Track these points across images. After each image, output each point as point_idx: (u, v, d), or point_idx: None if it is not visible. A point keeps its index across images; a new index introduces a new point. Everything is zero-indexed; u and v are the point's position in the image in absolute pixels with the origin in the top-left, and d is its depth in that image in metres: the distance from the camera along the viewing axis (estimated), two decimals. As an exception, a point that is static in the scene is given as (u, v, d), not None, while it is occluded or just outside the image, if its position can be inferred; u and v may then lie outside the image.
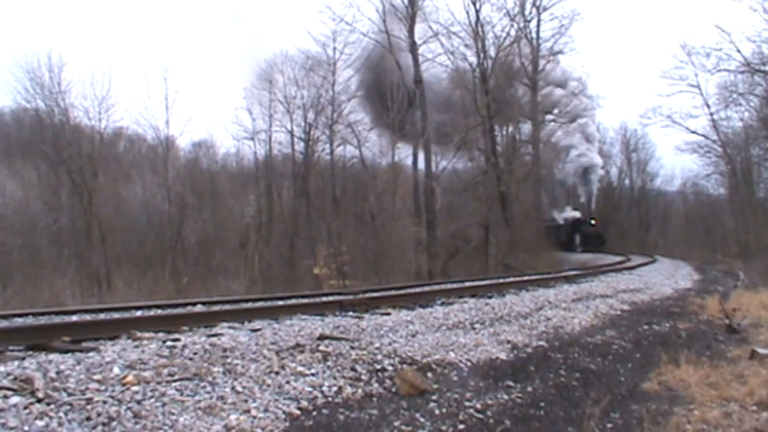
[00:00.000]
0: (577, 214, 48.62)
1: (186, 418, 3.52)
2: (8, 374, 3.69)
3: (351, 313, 7.45)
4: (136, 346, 4.72)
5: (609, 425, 4.39)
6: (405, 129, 27.80)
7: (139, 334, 5.35)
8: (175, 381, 3.98)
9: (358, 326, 6.31)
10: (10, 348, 4.67)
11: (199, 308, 7.80)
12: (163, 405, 3.61)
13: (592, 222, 46.57)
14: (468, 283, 12.53)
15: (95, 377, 3.82)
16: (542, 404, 4.69)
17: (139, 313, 7.29)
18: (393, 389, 4.64)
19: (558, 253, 37.15)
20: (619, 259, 28.53)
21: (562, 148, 45.60)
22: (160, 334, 5.44)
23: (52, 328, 5.34)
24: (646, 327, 8.62)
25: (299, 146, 28.67)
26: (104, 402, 3.47)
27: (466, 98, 27.89)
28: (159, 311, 7.52)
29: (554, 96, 39.30)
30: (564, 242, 43.79)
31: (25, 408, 3.26)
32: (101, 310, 7.44)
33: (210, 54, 70.34)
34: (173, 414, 3.53)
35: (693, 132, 34.61)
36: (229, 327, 5.98)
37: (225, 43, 65.47)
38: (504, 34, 29.05)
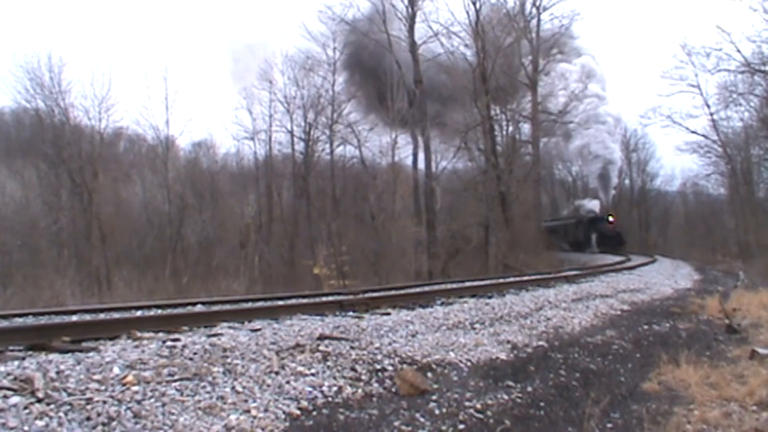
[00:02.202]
0: (596, 208, 43.39)
1: (186, 418, 3.52)
2: (8, 374, 3.69)
3: (351, 313, 7.44)
4: (136, 346, 4.72)
5: (609, 425, 4.39)
6: (403, 116, 27.64)
7: (139, 334, 5.35)
8: (175, 381, 3.98)
9: (358, 326, 6.31)
10: (10, 348, 4.67)
11: (199, 308, 7.79)
12: (163, 405, 3.61)
13: (610, 219, 40.87)
14: (468, 283, 12.52)
15: (95, 377, 3.82)
16: (542, 404, 4.69)
17: (139, 313, 7.29)
18: (393, 389, 4.64)
19: (560, 253, 36.78)
20: (619, 259, 28.52)
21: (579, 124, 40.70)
22: (160, 334, 5.44)
23: (52, 328, 5.34)
24: (646, 327, 8.62)
25: (299, 146, 28.74)
26: (104, 402, 3.47)
27: (466, 98, 27.91)
28: (159, 311, 7.52)
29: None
30: (580, 242, 40.52)
31: (25, 408, 3.26)
32: (101, 310, 7.43)
33: (210, 54, 70.54)
34: (173, 414, 3.53)
35: (693, 132, 34.69)
36: (229, 327, 5.98)
37: (214, 32, 65.56)
38: (504, 34, 29.07)
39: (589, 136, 42.86)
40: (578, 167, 49.89)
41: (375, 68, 29.66)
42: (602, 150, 43.53)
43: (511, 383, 5.13)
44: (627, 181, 53.06)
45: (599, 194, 44.95)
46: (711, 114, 33.43)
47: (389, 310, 7.77)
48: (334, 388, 4.41)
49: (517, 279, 13.98)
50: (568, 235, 42.86)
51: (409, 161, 30.38)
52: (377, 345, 5.62)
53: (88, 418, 3.28)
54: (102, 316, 6.87)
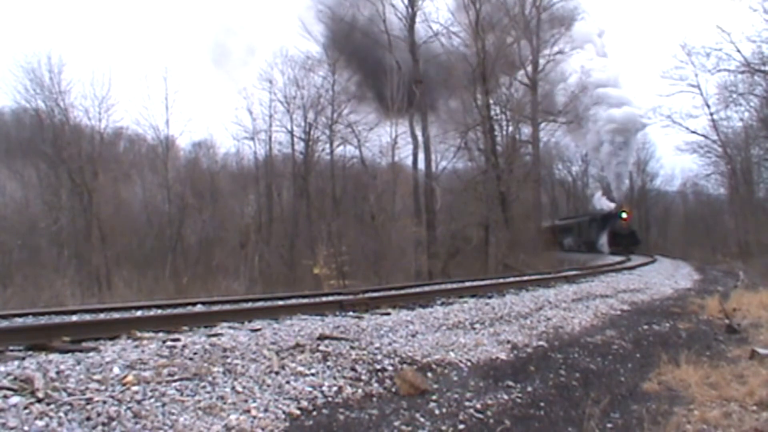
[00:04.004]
0: (610, 204, 39.24)
1: (186, 418, 3.52)
2: (8, 374, 3.69)
3: (351, 313, 7.44)
4: (136, 346, 4.72)
5: (609, 425, 4.39)
6: (395, 99, 27.62)
7: (139, 334, 5.35)
8: (175, 381, 3.98)
9: (358, 326, 6.31)
10: (10, 348, 4.67)
11: (199, 308, 7.79)
12: (163, 405, 3.61)
13: (623, 215, 36.46)
14: (468, 283, 12.51)
15: (95, 377, 3.82)
16: (542, 404, 4.69)
17: (139, 313, 7.29)
18: (393, 389, 4.64)
19: (560, 253, 36.50)
20: (619, 259, 28.51)
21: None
22: (160, 334, 5.44)
23: (52, 328, 5.34)
24: (646, 327, 8.62)
25: (299, 146, 28.77)
26: (104, 402, 3.47)
27: (464, 95, 27.94)
28: (159, 311, 7.51)
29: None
30: (591, 242, 37.61)
31: (25, 408, 3.26)
32: (101, 310, 7.43)
33: (206, 51, 70.54)
34: (173, 414, 3.53)
35: (693, 132, 34.63)
36: (229, 327, 5.98)
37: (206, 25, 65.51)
38: (504, 34, 29.09)
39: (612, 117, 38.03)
40: (594, 154, 45.12)
41: (368, 50, 29.69)
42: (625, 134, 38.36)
43: (511, 383, 5.13)
44: (627, 181, 52.88)
45: (612, 188, 41.34)
46: (711, 114, 33.42)
47: (389, 310, 7.77)
48: (334, 388, 4.41)
49: (517, 279, 13.97)
50: (582, 234, 40.04)
51: (409, 161, 30.44)
52: (377, 345, 5.62)
53: (88, 418, 3.28)
54: (102, 316, 6.87)
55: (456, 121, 28.70)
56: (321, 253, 22.46)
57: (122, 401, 3.54)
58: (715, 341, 7.77)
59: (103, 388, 3.68)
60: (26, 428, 3.07)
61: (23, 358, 4.21)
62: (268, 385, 4.22)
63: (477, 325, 7.26)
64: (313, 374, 4.60)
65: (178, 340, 5.04)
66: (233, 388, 4.05)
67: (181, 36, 75.65)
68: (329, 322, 6.48)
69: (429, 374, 5.10)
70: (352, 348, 5.37)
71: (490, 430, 4.08)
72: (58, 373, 3.80)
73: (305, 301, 8.82)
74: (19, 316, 6.77)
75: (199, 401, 3.76)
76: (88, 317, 6.70)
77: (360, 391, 4.49)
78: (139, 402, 3.58)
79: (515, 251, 27.09)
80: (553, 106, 35.00)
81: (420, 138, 29.45)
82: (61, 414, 3.26)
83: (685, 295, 13.36)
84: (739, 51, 27.84)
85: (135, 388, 3.75)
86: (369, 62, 30.59)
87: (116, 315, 6.88)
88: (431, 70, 30.43)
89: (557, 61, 34.36)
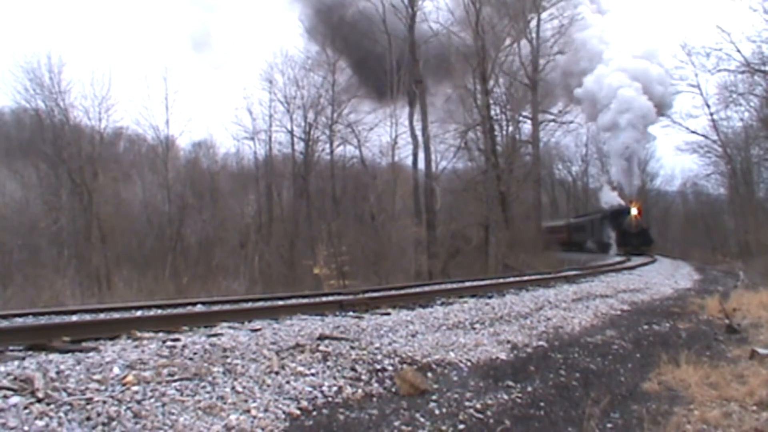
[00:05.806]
0: (618, 200, 35.80)
1: (186, 418, 3.52)
2: (8, 374, 3.69)
3: (351, 313, 7.44)
4: (136, 346, 4.72)
5: (609, 425, 4.39)
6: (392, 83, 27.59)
7: (139, 334, 5.34)
8: (175, 381, 3.98)
9: (358, 326, 6.31)
10: (10, 348, 4.67)
11: (199, 308, 7.79)
12: (163, 405, 3.61)
13: (633, 211, 32.33)
14: (468, 283, 12.51)
15: (95, 377, 3.82)
16: (542, 404, 4.69)
17: (139, 313, 7.28)
18: (393, 389, 4.64)
19: (560, 253, 36.23)
20: (619, 259, 28.48)
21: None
22: (160, 334, 5.43)
23: (52, 328, 5.34)
24: (646, 327, 8.62)
25: (299, 146, 28.81)
26: (104, 402, 3.47)
27: (466, 98, 27.97)
28: (159, 311, 7.51)
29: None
30: (597, 243, 35.30)
31: (25, 408, 3.26)
32: (101, 310, 7.43)
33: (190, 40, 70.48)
34: (173, 414, 3.53)
35: (693, 132, 34.59)
36: (229, 327, 5.98)
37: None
38: (504, 34, 29.09)
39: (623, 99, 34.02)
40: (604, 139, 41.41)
41: (367, 47, 29.73)
42: (637, 118, 33.86)
43: (511, 383, 5.13)
44: (637, 171, 52.13)
45: (621, 181, 37.41)
46: (711, 114, 33.39)
47: (389, 310, 7.77)
48: (334, 388, 4.41)
49: (517, 279, 13.97)
50: (594, 233, 37.15)
51: (409, 161, 30.45)
52: (377, 345, 5.62)
53: (88, 418, 3.27)
54: (102, 316, 6.86)
55: (456, 120, 28.74)
56: (321, 253, 22.49)
57: (122, 401, 3.54)
58: (715, 341, 7.77)
59: (103, 388, 3.68)
60: (26, 428, 3.07)
61: (23, 358, 4.21)
62: (268, 385, 4.22)
63: (477, 325, 7.26)
64: (313, 374, 4.60)
65: (178, 340, 5.04)
66: (233, 388, 4.05)
67: (181, 35, 75.65)
68: (329, 322, 6.48)
69: (429, 374, 5.10)
70: (352, 348, 5.37)
71: (490, 430, 4.08)
72: (58, 373, 3.80)
73: (305, 301, 8.82)
74: (19, 316, 6.77)
75: (199, 401, 3.76)
76: (88, 317, 6.69)
77: (360, 391, 4.49)
78: (139, 402, 3.58)
79: (515, 251, 27.11)
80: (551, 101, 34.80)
81: (420, 138, 29.48)
82: (61, 414, 3.26)
83: (685, 295, 13.36)
84: (739, 51, 27.83)
85: (135, 388, 3.75)
86: (367, 58, 30.63)
87: (116, 315, 6.87)
88: (431, 67, 30.46)
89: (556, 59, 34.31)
